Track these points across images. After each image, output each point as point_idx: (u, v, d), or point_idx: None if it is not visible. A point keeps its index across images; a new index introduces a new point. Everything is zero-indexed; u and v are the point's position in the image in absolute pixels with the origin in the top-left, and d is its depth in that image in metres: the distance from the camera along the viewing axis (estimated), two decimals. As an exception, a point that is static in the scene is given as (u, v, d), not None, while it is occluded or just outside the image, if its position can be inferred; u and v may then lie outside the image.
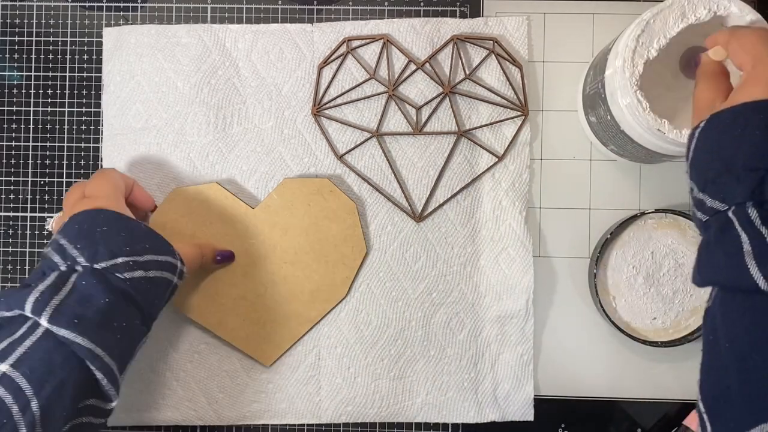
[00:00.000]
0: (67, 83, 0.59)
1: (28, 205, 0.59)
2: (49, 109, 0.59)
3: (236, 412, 0.57)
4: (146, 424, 0.57)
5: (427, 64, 0.57)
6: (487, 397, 0.57)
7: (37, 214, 0.59)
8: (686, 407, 0.56)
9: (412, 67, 0.57)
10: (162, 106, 0.58)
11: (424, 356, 0.57)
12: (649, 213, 0.55)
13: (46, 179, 0.59)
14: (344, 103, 0.58)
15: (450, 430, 0.57)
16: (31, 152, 0.59)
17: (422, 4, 0.58)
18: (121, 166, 0.58)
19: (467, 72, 0.57)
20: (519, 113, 0.57)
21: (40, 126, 0.59)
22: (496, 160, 0.57)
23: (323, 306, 0.57)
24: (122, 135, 0.58)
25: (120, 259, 0.44)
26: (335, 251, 0.56)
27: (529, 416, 0.56)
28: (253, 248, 0.56)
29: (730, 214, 0.36)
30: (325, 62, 0.58)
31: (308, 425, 0.58)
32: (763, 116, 0.37)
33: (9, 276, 0.59)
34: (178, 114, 0.58)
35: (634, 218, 0.55)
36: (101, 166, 0.58)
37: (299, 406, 0.57)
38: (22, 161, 0.59)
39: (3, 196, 0.59)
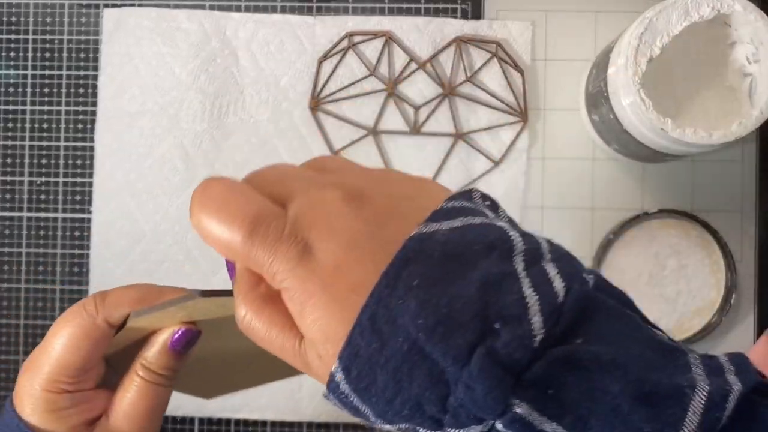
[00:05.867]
0: (63, 82, 0.59)
1: (24, 205, 0.58)
2: (45, 107, 0.59)
3: (216, 404, 0.56)
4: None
5: (429, 64, 0.57)
6: None
7: (33, 214, 0.58)
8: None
9: (413, 66, 0.57)
10: (158, 91, 0.58)
11: None
12: (653, 213, 0.54)
13: (43, 179, 0.58)
14: (342, 99, 0.57)
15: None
16: (27, 151, 0.59)
17: (423, 1, 0.58)
18: (114, 148, 0.57)
19: (468, 74, 0.56)
20: (518, 119, 0.56)
21: (36, 125, 0.59)
22: (493, 165, 0.57)
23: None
24: (116, 118, 0.58)
25: None
26: None
27: None
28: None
29: (500, 426, 0.22)
30: (326, 56, 0.57)
31: (288, 422, 0.57)
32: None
33: (5, 277, 0.58)
34: (173, 100, 0.57)
35: (637, 218, 0.54)
36: (95, 152, 0.58)
37: (280, 403, 0.57)
38: (18, 160, 0.59)
39: (-1, 196, 0.59)
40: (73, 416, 0.33)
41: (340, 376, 0.24)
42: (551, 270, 0.23)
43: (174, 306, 0.32)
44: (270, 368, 0.41)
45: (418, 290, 0.22)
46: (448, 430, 0.23)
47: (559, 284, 0.23)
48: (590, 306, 0.23)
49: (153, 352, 0.33)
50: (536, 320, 0.22)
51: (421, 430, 0.24)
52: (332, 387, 0.24)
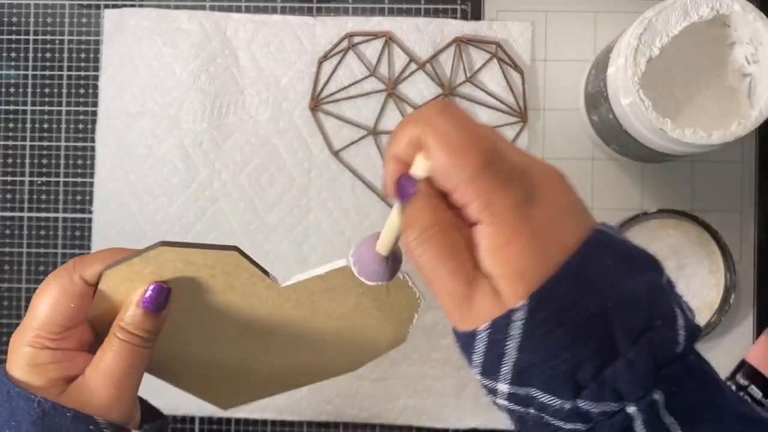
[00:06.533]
0: (64, 82, 0.59)
1: (25, 205, 0.59)
2: (46, 108, 0.59)
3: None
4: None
5: (428, 65, 0.57)
6: (469, 403, 0.56)
7: (34, 214, 0.58)
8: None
9: (413, 66, 0.57)
10: (158, 92, 0.58)
11: (407, 359, 0.56)
12: (652, 213, 0.54)
13: (44, 179, 0.59)
14: (342, 99, 0.57)
15: (447, 432, 0.57)
16: (28, 152, 0.59)
17: (423, 1, 0.58)
18: (114, 148, 0.58)
19: (468, 75, 0.57)
20: (518, 119, 0.56)
21: (37, 125, 0.59)
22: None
23: (322, 377, 0.44)
24: (117, 118, 0.58)
25: None
26: (363, 337, 0.40)
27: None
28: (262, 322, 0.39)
29: (631, 410, 0.25)
30: (326, 56, 0.57)
31: (288, 422, 0.57)
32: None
33: (6, 276, 0.58)
34: (174, 100, 0.58)
35: (636, 218, 0.54)
36: (96, 153, 0.58)
37: (280, 403, 0.57)
38: (19, 161, 0.59)
39: (0, 196, 0.59)
40: (51, 371, 0.35)
41: (520, 315, 0.25)
42: (681, 300, 0.27)
43: (138, 257, 0.34)
44: (281, 374, 0.42)
45: (613, 268, 0.26)
46: (580, 402, 0.25)
47: (689, 312, 0.27)
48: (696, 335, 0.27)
49: (129, 313, 0.35)
50: (682, 333, 0.26)
51: (540, 396, 0.26)
52: (499, 325, 0.26)
